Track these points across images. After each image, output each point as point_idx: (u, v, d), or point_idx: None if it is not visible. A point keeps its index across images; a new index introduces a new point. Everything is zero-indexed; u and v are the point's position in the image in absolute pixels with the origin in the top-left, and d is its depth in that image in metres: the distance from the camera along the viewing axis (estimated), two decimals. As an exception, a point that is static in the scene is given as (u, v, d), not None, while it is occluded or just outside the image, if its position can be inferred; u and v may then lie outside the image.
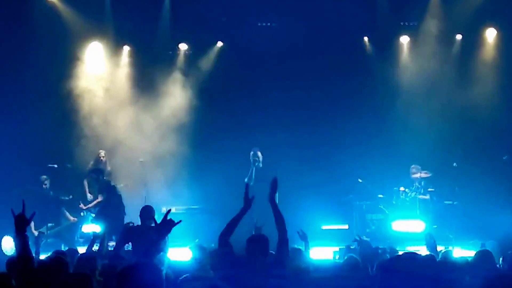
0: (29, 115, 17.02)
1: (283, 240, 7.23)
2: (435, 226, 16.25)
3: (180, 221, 5.97)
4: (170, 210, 6.16)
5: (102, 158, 16.89)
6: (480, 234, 14.50)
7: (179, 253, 10.55)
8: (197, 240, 9.61)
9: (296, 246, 9.26)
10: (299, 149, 17.50)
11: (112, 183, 16.07)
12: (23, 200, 6.61)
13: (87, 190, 16.79)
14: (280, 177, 14.69)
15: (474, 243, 14.21)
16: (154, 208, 11.15)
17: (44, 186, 16.41)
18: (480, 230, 15.20)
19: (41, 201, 15.69)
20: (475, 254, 8.35)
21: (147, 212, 10.89)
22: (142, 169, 16.80)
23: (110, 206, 15.31)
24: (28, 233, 6.52)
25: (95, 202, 16.25)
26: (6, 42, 16.86)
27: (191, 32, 18.40)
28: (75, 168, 17.13)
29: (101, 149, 17.05)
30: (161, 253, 5.97)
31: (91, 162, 16.95)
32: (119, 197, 15.68)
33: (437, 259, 9.05)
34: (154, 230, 10.22)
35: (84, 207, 16.33)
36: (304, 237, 9.51)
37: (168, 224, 5.97)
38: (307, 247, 9.51)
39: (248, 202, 7.39)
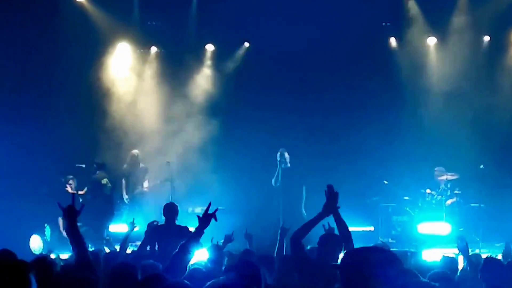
0: (58, 114, 17.21)
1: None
2: (462, 229, 16.17)
3: (217, 209, 6.34)
4: (210, 203, 6.50)
5: (135, 157, 17.11)
6: (506, 236, 14.38)
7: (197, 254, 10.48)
8: (212, 238, 9.58)
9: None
10: (325, 151, 17.48)
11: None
12: (73, 194, 6.54)
13: (124, 188, 17.01)
14: (306, 180, 14.75)
15: (501, 245, 14.10)
16: (180, 209, 11.21)
17: (68, 185, 16.59)
18: (507, 232, 15.09)
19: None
20: None
21: (171, 209, 10.94)
22: (169, 170, 16.86)
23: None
24: (56, 233, 6.55)
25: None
26: (34, 43, 17.03)
27: (217, 33, 18.45)
28: (102, 167, 17.24)
29: (132, 149, 17.24)
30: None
31: (126, 162, 17.18)
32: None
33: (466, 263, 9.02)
34: (180, 229, 10.36)
35: (70, 191, 16.43)
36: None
37: (208, 216, 6.33)
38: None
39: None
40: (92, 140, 17.39)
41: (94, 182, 16.83)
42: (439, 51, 18.52)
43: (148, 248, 10.41)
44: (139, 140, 17.57)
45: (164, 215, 10.96)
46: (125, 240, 10.13)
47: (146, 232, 10.60)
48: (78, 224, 6.46)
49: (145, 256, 8.93)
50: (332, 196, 7.18)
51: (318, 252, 7.37)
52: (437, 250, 14.34)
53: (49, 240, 15.65)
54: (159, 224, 10.93)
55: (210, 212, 6.45)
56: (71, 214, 6.37)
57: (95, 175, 16.87)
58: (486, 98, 17.69)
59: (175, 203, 11.68)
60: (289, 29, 18.25)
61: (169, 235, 10.27)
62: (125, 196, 17.18)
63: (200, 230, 6.41)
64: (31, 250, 14.97)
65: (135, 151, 17.25)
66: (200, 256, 9.35)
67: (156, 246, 10.57)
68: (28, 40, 16.99)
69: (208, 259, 8.61)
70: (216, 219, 6.37)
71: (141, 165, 17.36)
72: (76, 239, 6.30)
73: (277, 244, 9.48)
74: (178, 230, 10.49)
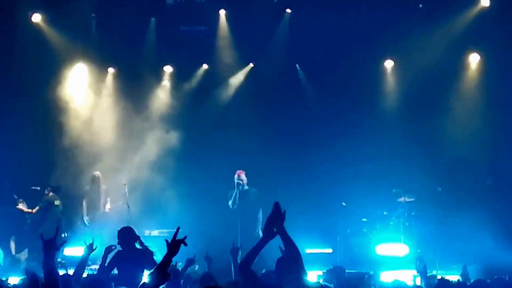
0: (12, 135, 16.96)
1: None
2: (419, 250, 16.24)
3: (185, 237, 5.79)
4: (179, 228, 5.98)
5: (97, 178, 16.97)
6: (464, 258, 14.50)
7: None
8: (180, 264, 9.49)
9: None
10: (283, 172, 17.49)
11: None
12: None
13: (85, 209, 16.79)
14: (263, 202, 14.69)
15: (458, 267, 14.19)
16: (138, 232, 11.05)
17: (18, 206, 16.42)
18: (464, 254, 15.22)
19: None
20: None
21: (129, 233, 10.74)
22: (125, 192, 16.69)
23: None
24: (9, 257, 6.42)
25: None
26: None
27: (176, 55, 18.44)
28: (56, 190, 17.05)
29: (90, 168, 17.07)
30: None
31: (88, 184, 17.04)
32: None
33: (424, 284, 9.04)
34: (141, 253, 10.22)
35: (20, 208, 16.26)
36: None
37: (177, 243, 5.77)
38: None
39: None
40: (48, 159, 17.18)
41: (46, 202, 16.70)
42: (395, 74, 18.70)
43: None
44: (96, 159, 17.38)
45: (120, 240, 10.69)
46: (81, 264, 9.84)
47: (107, 256, 10.34)
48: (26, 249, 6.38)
49: (105, 280, 8.80)
50: (277, 215, 6.59)
51: (276, 276, 7.11)
52: (395, 272, 14.39)
53: (1, 264, 15.33)
54: (116, 248, 10.70)
55: (179, 237, 5.85)
56: (52, 247, 6.21)
57: (48, 196, 16.69)
58: (442, 120, 17.92)
59: (132, 226, 11.51)
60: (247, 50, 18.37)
61: (129, 259, 10.12)
62: (86, 218, 16.92)
63: (168, 258, 5.77)
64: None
65: (97, 173, 17.05)
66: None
67: (115, 271, 10.41)
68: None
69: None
70: (186, 245, 5.76)
71: (103, 186, 17.14)
72: (50, 272, 6.11)
73: (232, 266, 9.38)
74: (139, 254, 10.37)
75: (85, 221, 16.95)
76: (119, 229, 10.91)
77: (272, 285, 6.98)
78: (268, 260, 7.51)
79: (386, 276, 12.44)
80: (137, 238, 10.71)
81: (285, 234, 6.64)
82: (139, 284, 5.81)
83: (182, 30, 18.49)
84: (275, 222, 6.62)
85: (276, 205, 6.65)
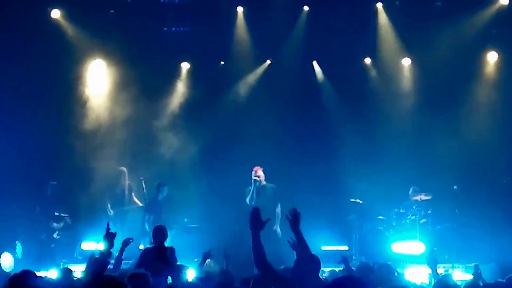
0: (31, 131, 17.06)
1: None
2: (435, 249, 16.22)
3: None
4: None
5: (123, 173, 17.08)
6: (480, 257, 14.48)
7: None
8: (196, 259, 9.56)
9: None
10: (300, 169, 17.52)
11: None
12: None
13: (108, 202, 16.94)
14: (281, 198, 14.75)
15: (472, 266, 14.17)
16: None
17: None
18: (480, 253, 15.20)
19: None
20: None
21: (163, 231, 10.84)
22: (142, 187, 16.77)
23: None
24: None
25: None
26: (9, 58, 16.92)
27: (193, 52, 18.51)
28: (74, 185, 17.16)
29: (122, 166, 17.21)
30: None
31: (112, 179, 17.12)
32: None
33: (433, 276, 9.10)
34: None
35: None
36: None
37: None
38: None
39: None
40: (65, 158, 17.25)
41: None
42: (413, 70, 18.69)
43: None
44: (114, 154, 17.45)
45: (154, 238, 10.82)
46: (118, 259, 9.97)
47: (123, 249, 10.41)
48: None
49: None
50: (295, 219, 7.16)
51: (294, 274, 7.11)
52: (412, 269, 14.43)
53: (20, 257, 15.48)
54: (134, 241, 10.80)
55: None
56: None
57: None
58: (461, 118, 17.89)
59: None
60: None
61: (157, 256, 10.21)
62: (110, 211, 16.93)
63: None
64: (1, 268, 14.79)
65: (123, 168, 17.10)
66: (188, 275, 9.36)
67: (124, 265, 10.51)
68: (3, 55, 16.87)
69: (196, 277, 8.63)
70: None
71: (127, 182, 17.21)
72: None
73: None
74: (167, 252, 10.46)
75: (108, 212, 16.94)
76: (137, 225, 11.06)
77: (289, 278, 7.01)
78: (284, 257, 7.57)
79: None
80: (167, 236, 10.84)
81: (300, 236, 7.05)
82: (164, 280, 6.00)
83: (198, 27, 18.52)
84: (293, 226, 7.13)
85: (294, 211, 7.21)
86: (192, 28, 18.69)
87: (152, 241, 10.88)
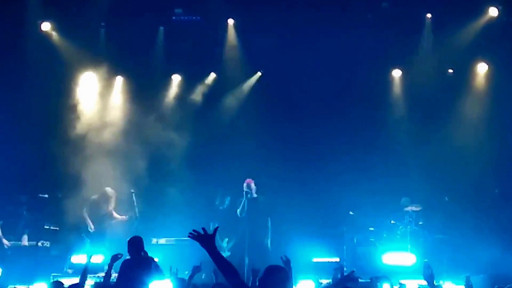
0: (21, 143, 17.03)
1: None
2: (426, 260, 16.20)
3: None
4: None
5: (110, 197, 16.97)
6: (470, 268, 14.49)
7: (159, 285, 10.36)
8: (174, 270, 9.51)
9: None
10: (291, 181, 17.51)
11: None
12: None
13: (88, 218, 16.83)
14: (272, 210, 14.63)
15: (464, 277, 14.16)
16: (145, 240, 11.10)
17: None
18: (471, 264, 15.20)
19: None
20: None
21: (138, 243, 10.82)
22: (133, 200, 16.73)
23: None
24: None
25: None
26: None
27: (184, 64, 18.53)
28: (64, 198, 17.09)
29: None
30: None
31: (98, 195, 16.97)
32: None
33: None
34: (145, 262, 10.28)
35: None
36: (287, 264, 9.01)
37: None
38: (290, 275, 9.16)
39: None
40: (54, 170, 17.20)
41: None
42: (404, 82, 18.75)
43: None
44: (103, 165, 17.40)
45: (129, 249, 10.80)
46: (84, 272, 9.98)
47: (113, 264, 10.39)
48: None
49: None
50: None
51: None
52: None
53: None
54: (122, 257, 10.78)
55: None
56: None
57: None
58: (451, 129, 17.95)
59: (139, 235, 11.57)
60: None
61: (136, 267, 10.19)
62: (91, 226, 16.86)
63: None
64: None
65: (111, 191, 17.01)
66: (163, 286, 9.30)
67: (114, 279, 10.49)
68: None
69: None
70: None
71: (113, 205, 17.12)
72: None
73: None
74: (145, 263, 10.43)
75: (89, 228, 16.85)
76: (127, 238, 11.01)
77: None
78: None
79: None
80: (143, 248, 10.81)
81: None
82: None
83: (190, 38, 18.54)
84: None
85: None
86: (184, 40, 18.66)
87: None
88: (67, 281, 11.11)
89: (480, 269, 14.74)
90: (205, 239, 6.15)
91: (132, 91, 18.46)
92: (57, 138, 17.50)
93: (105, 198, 16.88)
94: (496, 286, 8.70)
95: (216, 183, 17.20)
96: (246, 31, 18.29)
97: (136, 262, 10.48)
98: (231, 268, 6.14)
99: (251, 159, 17.32)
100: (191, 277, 9.68)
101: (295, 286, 9.17)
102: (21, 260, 15.79)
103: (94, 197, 16.98)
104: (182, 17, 18.24)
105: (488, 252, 15.49)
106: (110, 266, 10.25)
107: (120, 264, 10.68)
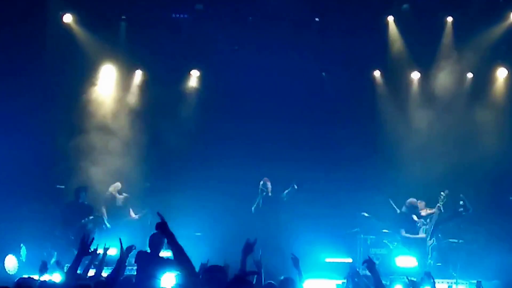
0: (40, 135, 17.11)
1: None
2: (439, 264, 16.18)
3: None
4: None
5: (119, 189, 17.08)
6: (483, 273, 14.43)
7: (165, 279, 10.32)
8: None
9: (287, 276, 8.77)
10: (306, 181, 17.48)
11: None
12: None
13: (105, 213, 16.90)
14: (287, 208, 14.68)
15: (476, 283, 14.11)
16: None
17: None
18: (484, 269, 15.14)
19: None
20: None
21: (160, 239, 10.80)
22: (147, 194, 16.79)
23: None
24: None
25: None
26: (21, 63, 17.00)
27: (204, 59, 18.54)
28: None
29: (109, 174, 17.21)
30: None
31: (109, 191, 17.06)
32: None
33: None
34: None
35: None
36: (296, 263, 9.01)
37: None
38: (300, 275, 8.99)
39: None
40: (73, 161, 17.29)
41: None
42: (421, 85, 18.70)
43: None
44: (119, 161, 17.46)
45: (149, 246, 10.79)
46: (99, 265, 10.02)
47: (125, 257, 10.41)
48: None
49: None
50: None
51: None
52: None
53: (24, 260, 15.48)
54: (137, 249, 10.78)
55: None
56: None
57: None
58: (467, 135, 17.87)
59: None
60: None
61: (153, 263, 10.20)
62: (107, 223, 16.90)
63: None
64: (6, 270, 14.81)
65: (118, 184, 17.09)
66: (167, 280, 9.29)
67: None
68: (15, 58, 16.94)
69: (176, 284, 8.50)
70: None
71: (124, 194, 17.19)
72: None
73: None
74: (163, 260, 10.44)
75: (107, 225, 16.93)
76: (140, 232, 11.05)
77: None
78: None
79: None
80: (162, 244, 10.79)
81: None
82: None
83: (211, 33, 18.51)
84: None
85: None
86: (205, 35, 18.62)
87: None
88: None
89: (493, 275, 14.67)
90: (161, 225, 6.30)
91: (150, 85, 18.52)
92: (75, 130, 17.61)
93: (117, 192, 16.99)
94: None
95: (229, 181, 17.15)
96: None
97: (155, 258, 10.45)
98: (185, 257, 6.26)
99: (266, 160, 17.35)
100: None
101: (302, 285, 9.06)
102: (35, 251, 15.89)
103: (110, 190, 17.07)
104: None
105: (502, 258, 15.42)
106: (124, 258, 10.21)
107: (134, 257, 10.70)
